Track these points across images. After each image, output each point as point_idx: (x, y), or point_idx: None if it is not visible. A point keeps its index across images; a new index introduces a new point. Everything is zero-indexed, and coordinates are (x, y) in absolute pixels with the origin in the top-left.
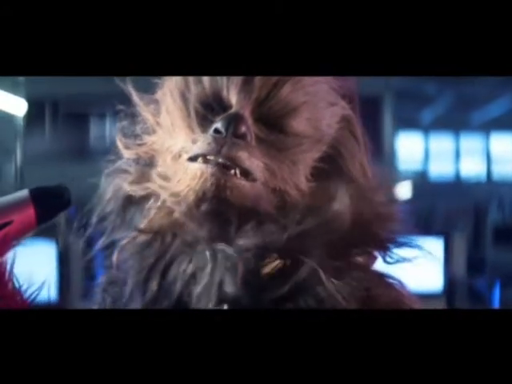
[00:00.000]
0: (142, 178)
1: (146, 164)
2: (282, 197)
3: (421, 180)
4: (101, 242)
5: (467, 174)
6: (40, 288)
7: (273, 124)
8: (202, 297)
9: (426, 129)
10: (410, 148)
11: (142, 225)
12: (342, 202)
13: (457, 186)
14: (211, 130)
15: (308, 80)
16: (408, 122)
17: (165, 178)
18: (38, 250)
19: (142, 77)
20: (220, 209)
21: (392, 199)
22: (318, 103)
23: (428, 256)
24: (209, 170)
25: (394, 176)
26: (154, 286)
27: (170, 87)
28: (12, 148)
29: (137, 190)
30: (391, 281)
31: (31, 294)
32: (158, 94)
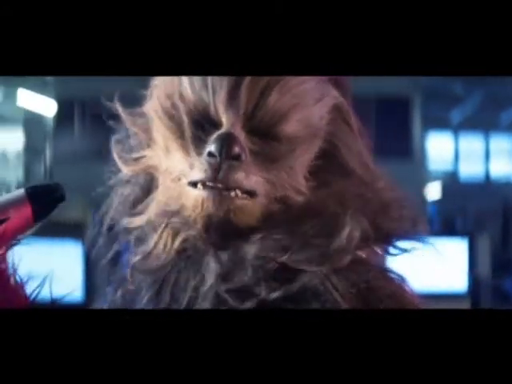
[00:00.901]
0: (142, 202)
1: (146, 181)
2: (285, 203)
3: (450, 180)
4: (112, 250)
5: (496, 174)
6: (42, 284)
7: (265, 133)
8: (208, 296)
9: (456, 129)
10: (439, 148)
11: (149, 246)
12: (349, 237)
13: (486, 187)
14: (205, 154)
15: (293, 81)
16: (437, 122)
17: (167, 203)
18: (65, 251)
19: (129, 92)
20: (226, 230)
21: (395, 187)
22: (307, 101)
23: (431, 253)
24: (210, 196)
25: (422, 175)
26: (166, 296)
27: (154, 107)
28: (41, 148)
29: (138, 218)
30: (392, 275)
31: (33, 290)
32: (146, 108)
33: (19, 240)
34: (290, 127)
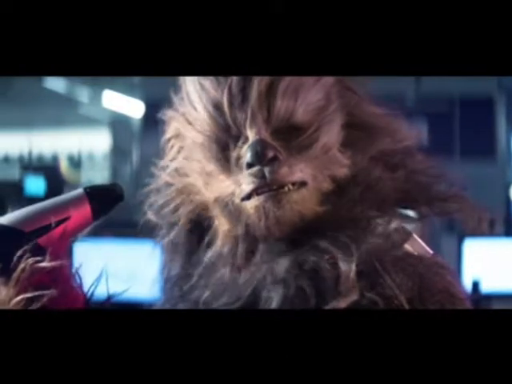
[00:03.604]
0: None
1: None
2: (334, 181)
3: None
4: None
5: None
6: (97, 282)
7: (287, 128)
8: (281, 282)
9: None
10: None
11: (226, 278)
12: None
13: None
14: (245, 167)
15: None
16: None
17: (231, 229)
18: (144, 251)
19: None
20: (297, 226)
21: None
22: (307, 85)
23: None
24: (268, 199)
25: (506, 176)
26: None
27: (179, 158)
28: (128, 150)
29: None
30: (444, 270)
31: (89, 289)
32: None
33: (77, 238)
34: (305, 113)
